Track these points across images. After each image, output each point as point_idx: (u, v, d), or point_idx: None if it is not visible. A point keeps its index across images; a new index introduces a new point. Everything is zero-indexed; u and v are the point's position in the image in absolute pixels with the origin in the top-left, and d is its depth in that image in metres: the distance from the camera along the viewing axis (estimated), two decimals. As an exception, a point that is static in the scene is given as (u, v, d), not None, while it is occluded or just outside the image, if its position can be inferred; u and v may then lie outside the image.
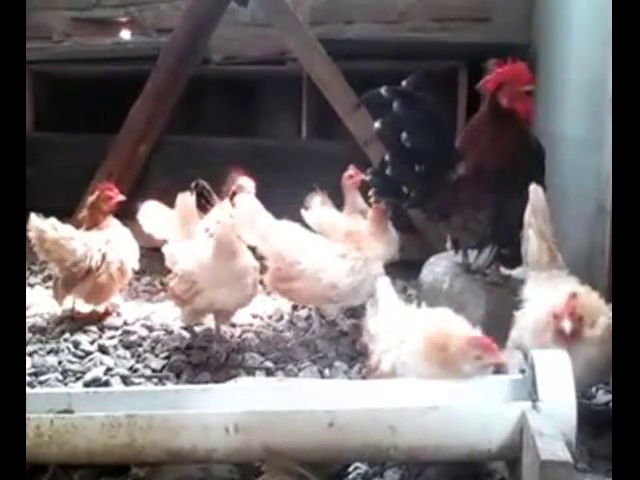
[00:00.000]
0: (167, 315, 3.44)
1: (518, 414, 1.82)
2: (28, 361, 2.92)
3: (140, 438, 1.90)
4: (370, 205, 3.30)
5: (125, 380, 2.79)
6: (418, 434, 1.85)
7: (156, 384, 2.77)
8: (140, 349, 3.09)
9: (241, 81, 5.36)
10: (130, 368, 2.92)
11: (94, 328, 3.31)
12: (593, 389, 2.54)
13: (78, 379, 2.80)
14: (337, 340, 3.17)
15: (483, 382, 2.01)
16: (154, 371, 2.89)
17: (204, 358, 2.95)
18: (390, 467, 2.10)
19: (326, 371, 2.87)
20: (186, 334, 3.19)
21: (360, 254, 3.15)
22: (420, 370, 2.02)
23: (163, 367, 2.92)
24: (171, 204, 3.44)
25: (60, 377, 2.82)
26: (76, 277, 3.30)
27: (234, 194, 3.55)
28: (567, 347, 2.05)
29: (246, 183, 3.52)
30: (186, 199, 3.31)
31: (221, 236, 2.92)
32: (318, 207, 3.59)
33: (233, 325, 3.32)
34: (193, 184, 3.93)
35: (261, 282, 3.30)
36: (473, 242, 3.02)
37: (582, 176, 3.27)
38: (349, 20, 5.40)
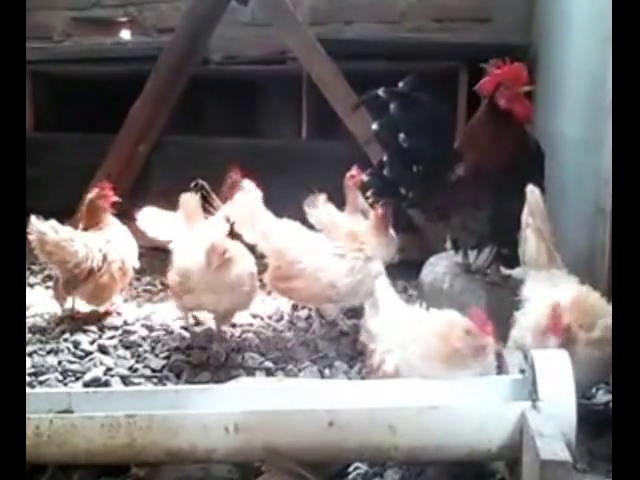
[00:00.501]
0: (167, 315, 3.44)
1: (518, 414, 1.82)
2: (28, 361, 2.91)
3: (140, 438, 1.90)
4: (372, 205, 3.30)
5: (125, 380, 2.79)
6: (418, 434, 1.85)
7: (156, 384, 2.77)
8: (140, 349, 3.09)
9: (241, 81, 5.36)
10: (130, 368, 2.92)
11: (94, 328, 3.31)
12: (593, 389, 2.54)
13: (78, 379, 2.80)
14: (337, 340, 3.17)
15: (483, 382, 2.02)
16: (154, 371, 2.89)
17: (204, 358, 2.95)
18: (390, 467, 2.10)
19: (326, 371, 2.87)
20: (186, 334, 3.19)
21: (360, 254, 3.15)
22: (425, 369, 2.02)
23: (163, 367, 2.92)
24: (171, 204, 3.44)
25: (60, 377, 2.82)
26: (78, 279, 3.29)
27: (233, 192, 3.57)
28: (567, 348, 2.05)
29: (249, 186, 3.53)
30: (189, 199, 3.31)
31: (214, 247, 2.89)
32: (321, 206, 3.60)
33: (233, 325, 3.32)
34: (193, 184, 3.93)
35: (261, 281, 3.30)
36: (472, 242, 3.02)
37: (581, 176, 3.27)
38: (349, 20, 5.41)
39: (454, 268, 3.10)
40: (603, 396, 2.52)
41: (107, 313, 3.48)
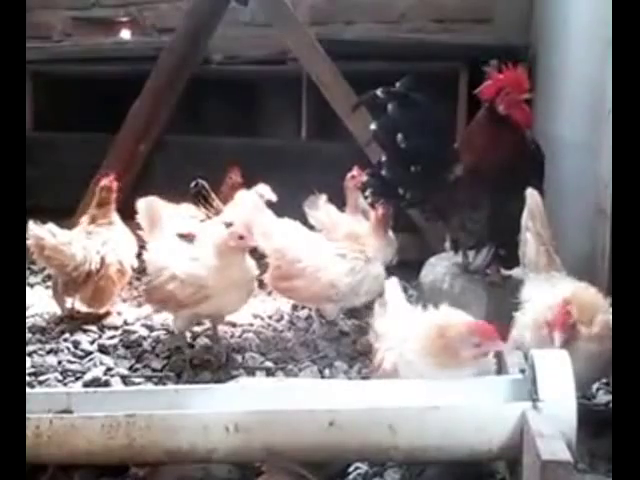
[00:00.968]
0: (167, 315, 3.43)
1: (518, 414, 1.82)
2: (28, 361, 2.91)
3: (140, 438, 1.89)
4: (372, 206, 3.30)
5: (125, 380, 2.79)
6: (418, 434, 1.85)
7: (156, 384, 2.77)
8: (140, 349, 3.09)
9: (241, 81, 5.35)
10: (130, 368, 2.92)
11: (94, 328, 3.31)
12: (593, 389, 2.54)
13: (78, 379, 2.80)
14: (337, 340, 3.17)
15: (483, 382, 2.02)
16: (154, 371, 2.89)
17: (204, 358, 2.95)
18: (390, 467, 2.10)
19: (326, 371, 2.87)
20: (186, 334, 3.19)
21: (360, 254, 3.15)
22: (421, 366, 2.02)
23: (163, 367, 2.92)
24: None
25: (60, 377, 2.82)
26: (77, 282, 3.29)
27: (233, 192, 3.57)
28: (566, 345, 2.05)
29: (265, 191, 3.55)
30: (150, 202, 3.21)
31: (244, 226, 2.87)
32: (321, 206, 3.61)
33: (233, 325, 3.32)
34: (193, 184, 3.94)
35: (261, 282, 3.30)
36: (471, 242, 3.03)
37: (581, 179, 3.27)
38: (349, 20, 5.40)
39: (454, 268, 3.10)
40: (603, 396, 2.52)
41: (107, 313, 3.48)
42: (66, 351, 3.06)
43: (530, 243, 2.52)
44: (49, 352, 3.05)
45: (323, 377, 2.82)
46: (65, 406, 2.08)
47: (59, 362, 2.95)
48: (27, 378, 2.74)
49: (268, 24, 4.71)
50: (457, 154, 2.94)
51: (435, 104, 3.02)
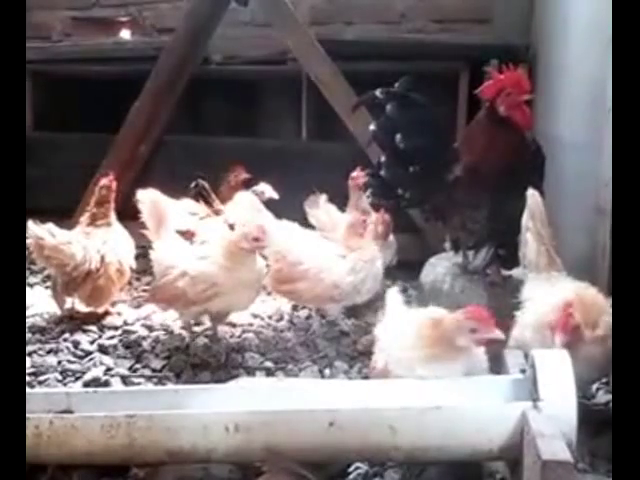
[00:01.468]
0: (167, 315, 3.44)
1: (519, 414, 1.82)
2: (28, 361, 2.91)
3: (140, 438, 1.90)
4: (373, 207, 3.30)
5: (125, 380, 2.79)
6: (418, 434, 1.85)
7: (156, 384, 2.77)
8: (140, 349, 3.09)
9: (241, 81, 5.35)
10: (130, 368, 2.92)
11: (94, 328, 3.30)
12: (594, 389, 2.54)
13: (78, 379, 2.80)
14: (337, 340, 3.17)
15: (484, 382, 2.02)
16: (154, 371, 2.89)
17: (204, 358, 2.95)
18: (391, 467, 2.10)
19: (326, 371, 2.87)
20: (186, 334, 3.19)
21: (360, 253, 3.16)
22: (411, 362, 2.02)
23: (163, 367, 2.92)
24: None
25: (59, 377, 2.82)
26: (76, 281, 3.29)
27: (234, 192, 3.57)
28: (569, 347, 2.05)
29: (266, 189, 3.56)
30: (156, 201, 3.22)
31: (257, 228, 2.86)
32: (322, 205, 3.61)
33: (233, 325, 3.32)
34: (193, 184, 3.94)
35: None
36: (471, 242, 3.03)
37: (582, 178, 3.26)
38: (349, 21, 5.40)
39: (454, 268, 3.10)
40: (603, 396, 2.52)
41: (107, 312, 3.48)
42: (66, 351, 3.06)
43: (530, 243, 2.52)
44: (49, 352, 3.05)
45: (323, 377, 2.82)
46: (65, 406, 2.08)
47: (59, 362, 2.95)
48: (27, 378, 2.74)
49: (268, 24, 4.71)
50: (457, 154, 2.95)
51: (434, 104, 3.02)
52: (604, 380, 2.51)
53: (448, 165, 2.93)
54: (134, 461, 2.03)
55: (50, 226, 3.26)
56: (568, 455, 1.63)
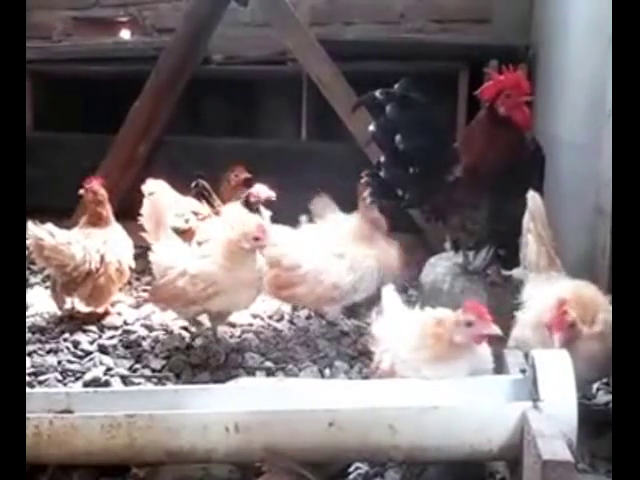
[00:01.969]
0: (167, 315, 3.43)
1: (519, 414, 1.82)
2: (28, 361, 2.91)
3: (140, 438, 1.90)
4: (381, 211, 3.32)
5: (125, 380, 2.79)
6: (418, 434, 1.85)
7: (156, 384, 2.77)
8: (140, 349, 3.09)
9: (241, 81, 5.36)
10: (130, 368, 2.92)
11: (94, 328, 3.31)
12: (594, 389, 2.54)
13: (78, 379, 2.80)
14: (337, 340, 3.17)
15: (483, 382, 2.01)
16: (154, 371, 2.89)
17: (204, 358, 2.95)
18: (391, 467, 2.10)
19: (326, 371, 2.87)
20: (186, 334, 3.19)
21: (357, 252, 3.16)
22: (416, 363, 2.02)
23: (163, 367, 2.92)
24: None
25: (59, 377, 2.82)
26: (76, 281, 3.29)
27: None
28: (568, 344, 2.05)
29: (262, 190, 3.55)
30: (155, 201, 3.24)
31: (258, 227, 2.86)
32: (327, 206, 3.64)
33: (233, 325, 3.32)
34: (193, 184, 3.94)
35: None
36: (471, 243, 3.03)
37: (582, 179, 3.26)
38: (349, 21, 5.40)
39: (454, 269, 3.10)
40: (604, 396, 2.52)
41: (107, 313, 3.48)
42: (66, 351, 3.06)
43: (531, 245, 2.52)
44: (49, 352, 3.05)
45: (323, 377, 2.82)
46: (65, 406, 2.08)
47: (59, 362, 2.95)
48: (27, 378, 2.74)
49: (268, 24, 4.71)
50: (456, 155, 2.95)
51: (434, 105, 3.02)
52: (604, 380, 2.51)
53: (448, 166, 2.93)
54: (134, 461, 2.03)
55: (50, 226, 3.26)
56: (568, 455, 1.63)
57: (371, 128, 3.02)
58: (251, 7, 4.86)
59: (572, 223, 3.22)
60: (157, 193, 3.40)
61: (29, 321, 3.37)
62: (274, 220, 3.39)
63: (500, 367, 2.16)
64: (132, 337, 3.20)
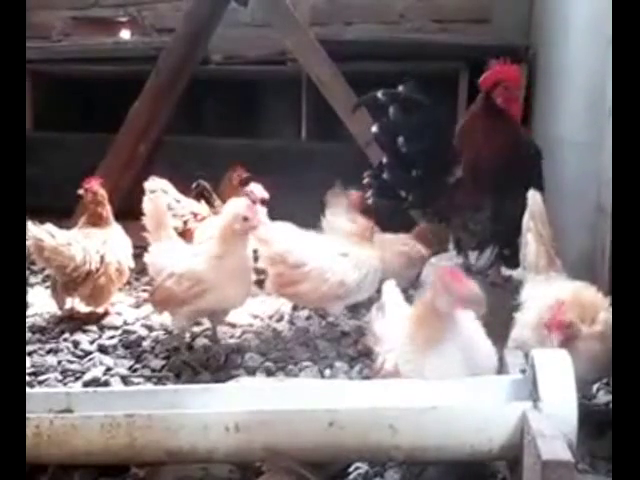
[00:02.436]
0: (167, 315, 3.43)
1: (519, 414, 1.81)
2: (28, 361, 2.91)
3: (140, 438, 1.89)
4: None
5: (125, 380, 2.78)
6: (419, 434, 1.85)
7: (156, 384, 2.76)
8: (139, 349, 3.09)
9: (241, 81, 5.36)
10: (130, 368, 2.92)
11: (94, 328, 3.30)
12: (594, 389, 2.54)
13: (77, 379, 2.79)
14: (338, 340, 3.16)
15: (483, 382, 2.01)
16: (154, 371, 2.89)
17: (204, 358, 2.95)
18: (391, 467, 2.10)
19: (327, 371, 2.87)
20: (186, 334, 3.19)
21: (360, 250, 3.17)
22: (421, 363, 2.02)
23: (163, 367, 2.92)
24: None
25: (59, 377, 2.81)
26: (76, 281, 3.29)
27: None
28: (567, 344, 2.05)
29: (256, 189, 3.55)
30: (156, 203, 3.23)
31: (228, 225, 2.83)
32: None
33: (233, 325, 3.32)
34: (194, 184, 3.94)
35: (260, 284, 3.30)
36: (473, 243, 3.03)
37: (582, 178, 3.27)
38: (349, 21, 5.41)
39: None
40: (604, 396, 2.52)
41: (107, 313, 3.48)
42: (66, 351, 3.06)
43: (531, 244, 2.52)
44: (49, 352, 3.05)
45: (323, 377, 2.81)
46: (65, 406, 2.08)
47: (59, 362, 2.95)
48: (27, 378, 2.74)
49: (268, 25, 4.71)
50: (457, 155, 2.95)
51: (436, 106, 3.02)
52: (604, 381, 2.51)
53: (449, 167, 2.93)
54: (134, 461, 2.02)
55: (50, 227, 3.26)
56: (569, 455, 1.63)
57: (374, 129, 3.01)
58: (251, 7, 4.87)
59: (573, 222, 3.22)
60: (159, 193, 3.41)
61: (29, 321, 3.37)
62: (274, 220, 3.38)
63: (500, 367, 2.15)
64: (132, 337, 3.20)
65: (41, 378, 2.78)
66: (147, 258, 3.12)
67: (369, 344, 2.41)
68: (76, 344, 3.12)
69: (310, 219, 3.68)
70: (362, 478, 2.07)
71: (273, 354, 3.03)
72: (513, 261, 2.86)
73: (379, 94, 2.97)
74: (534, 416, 1.78)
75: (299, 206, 3.64)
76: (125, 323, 3.39)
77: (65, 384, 2.76)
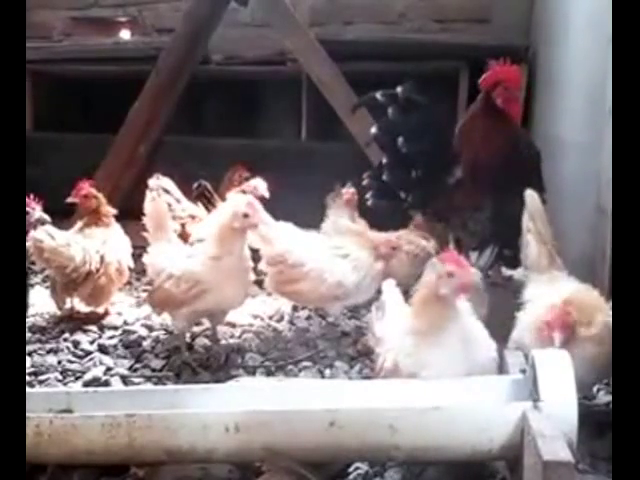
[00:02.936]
0: (167, 315, 3.43)
1: (519, 414, 1.81)
2: (28, 360, 2.91)
3: (139, 438, 1.89)
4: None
5: (125, 380, 2.78)
6: (419, 434, 1.85)
7: (156, 384, 2.76)
8: (140, 349, 3.09)
9: (241, 81, 5.36)
10: (130, 368, 2.92)
11: (94, 328, 3.30)
12: (594, 389, 2.54)
13: (78, 379, 2.79)
14: (338, 340, 3.16)
15: (484, 382, 2.01)
16: (154, 371, 2.89)
17: (204, 358, 2.95)
18: (391, 467, 2.09)
19: (326, 371, 2.87)
20: (185, 334, 3.18)
21: (361, 252, 3.16)
22: (420, 355, 2.03)
23: (163, 367, 2.92)
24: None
25: (60, 377, 2.81)
26: (76, 282, 3.29)
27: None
28: (566, 346, 2.05)
29: (259, 185, 3.55)
30: (157, 204, 3.23)
31: (226, 224, 2.81)
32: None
33: (233, 325, 3.32)
34: (195, 184, 3.93)
35: (260, 284, 3.30)
36: (473, 243, 3.03)
37: (582, 178, 3.27)
38: (349, 21, 5.41)
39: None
40: (604, 396, 2.52)
41: (106, 313, 3.48)
42: (66, 351, 3.06)
43: (532, 244, 2.52)
44: (49, 352, 3.05)
45: (323, 377, 2.81)
46: (65, 406, 2.08)
47: (59, 362, 2.95)
48: (27, 378, 2.74)
49: (268, 25, 4.72)
50: (457, 156, 2.95)
51: (436, 107, 3.03)
52: (605, 381, 2.51)
53: (449, 167, 2.93)
54: (134, 460, 2.02)
55: (49, 228, 3.26)
56: (569, 455, 1.63)
57: (373, 130, 3.01)
58: (251, 7, 4.87)
59: (573, 223, 3.22)
60: (161, 193, 3.40)
61: (29, 321, 3.37)
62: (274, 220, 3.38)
63: (500, 367, 2.15)
64: (132, 337, 3.20)
65: (41, 378, 2.78)
66: (146, 259, 3.12)
67: (369, 344, 2.41)
68: (76, 344, 3.12)
69: (310, 219, 3.68)
70: (362, 478, 2.07)
71: (273, 354, 3.03)
72: (513, 261, 2.86)
73: (378, 95, 2.97)
74: (534, 416, 1.78)
75: (299, 206, 3.64)
76: (125, 323, 3.39)
77: (65, 384, 2.76)
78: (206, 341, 3.12)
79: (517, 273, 2.93)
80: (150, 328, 3.30)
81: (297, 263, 3.09)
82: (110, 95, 4.94)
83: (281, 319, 3.47)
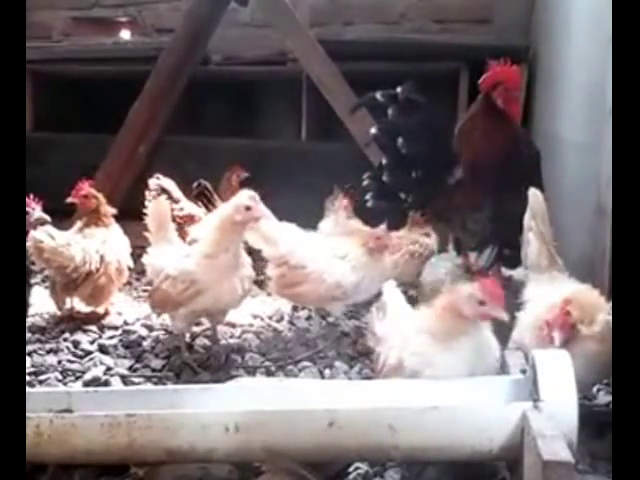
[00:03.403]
0: (167, 315, 3.43)
1: (519, 414, 1.81)
2: (28, 360, 2.91)
3: (139, 438, 1.89)
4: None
5: (125, 380, 2.78)
6: (418, 434, 1.85)
7: (156, 384, 2.76)
8: (140, 349, 3.09)
9: (241, 82, 5.36)
10: (130, 368, 2.92)
11: (94, 328, 3.31)
12: (594, 390, 2.53)
13: (78, 378, 2.79)
14: (338, 340, 3.16)
15: (484, 382, 2.01)
16: (154, 371, 2.89)
17: (204, 358, 2.95)
18: (391, 467, 2.09)
19: (326, 371, 2.87)
20: (185, 334, 3.18)
21: (360, 252, 3.16)
22: (424, 344, 2.03)
23: (163, 367, 2.92)
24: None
25: (60, 376, 2.82)
26: (76, 282, 3.29)
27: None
28: (566, 345, 2.05)
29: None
30: (159, 204, 3.24)
31: (223, 222, 2.79)
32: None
33: (233, 325, 3.32)
34: (195, 184, 3.93)
35: (260, 284, 3.30)
36: (473, 243, 3.03)
37: (582, 178, 3.27)
38: (349, 21, 5.41)
39: (455, 269, 3.10)
40: (604, 396, 2.52)
41: (106, 312, 3.48)
42: (66, 351, 3.06)
43: (532, 243, 2.52)
44: (49, 352, 3.05)
45: (323, 377, 2.81)
46: (65, 405, 2.08)
47: (59, 362, 2.95)
48: (27, 377, 2.74)
49: (268, 25, 4.72)
50: (457, 156, 2.95)
51: (436, 108, 3.03)
52: (605, 381, 2.51)
53: (449, 168, 2.93)
54: (133, 460, 2.02)
55: (49, 228, 3.26)
56: (569, 455, 1.63)
57: (373, 130, 3.01)
58: (251, 7, 4.87)
59: (573, 223, 3.22)
60: (162, 194, 3.40)
61: (29, 321, 3.37)
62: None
63: (500, 367, 2.15)
64: (132, 337, 3.20)
65: (41, 378, 2.78)
66: (146, 259, 3.11)
67: (369, 344, 2.41)
68: (76, 344, 3.12)
69: (309, 219, 3.68)
70: (362, 478, 2.07)
71: (273, 354, 3.03)
72: (513, 261, 2.86)
73: (378, 95, 2.97)
74: (534, 416, 1.78)
75: (299, 206, 3.64)
76: (125, 323, 3.39)
77: (65, 384, 2.76)
78: (206, 341, 3.12)
79: (517, 273, 2.92)
80: (150, 328, 3.30)
81: (299, 265, 3.09)
82: (110, 95, 4.94)
83: (281, 319, 3.47)
